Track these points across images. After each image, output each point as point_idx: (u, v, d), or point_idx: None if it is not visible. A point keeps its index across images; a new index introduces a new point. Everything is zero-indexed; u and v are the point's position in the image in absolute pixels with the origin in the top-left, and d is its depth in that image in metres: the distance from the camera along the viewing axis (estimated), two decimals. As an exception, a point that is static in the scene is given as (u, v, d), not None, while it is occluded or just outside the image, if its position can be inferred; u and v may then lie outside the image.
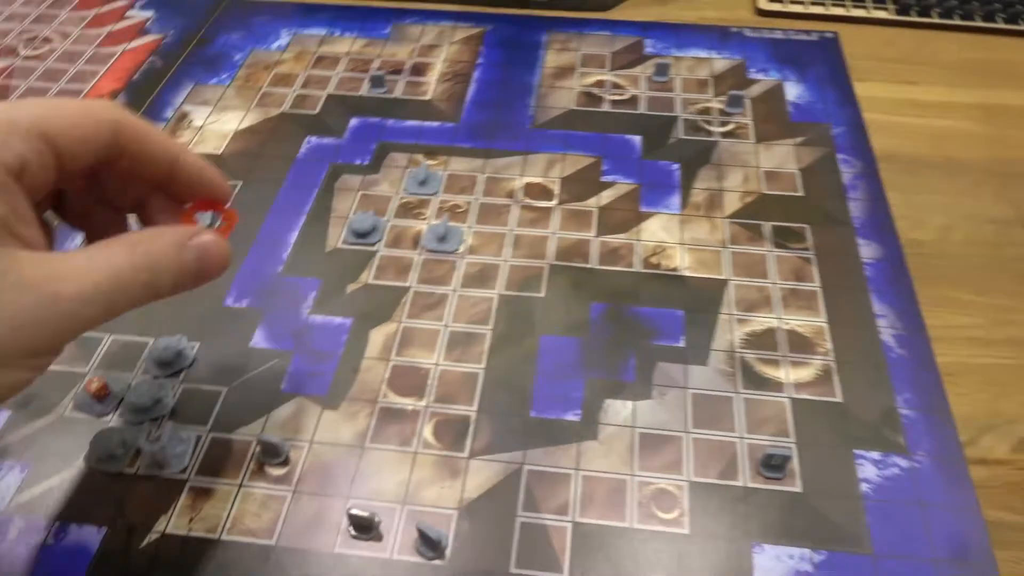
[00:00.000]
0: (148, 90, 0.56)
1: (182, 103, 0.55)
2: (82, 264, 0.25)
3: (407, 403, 0.37)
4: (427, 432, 0.36)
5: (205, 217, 0.31)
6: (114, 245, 0.26)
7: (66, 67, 0.59)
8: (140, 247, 0.26)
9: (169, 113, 0.54)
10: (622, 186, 0.48)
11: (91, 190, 0.30)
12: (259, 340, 0.40)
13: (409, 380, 0.38)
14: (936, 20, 0.60)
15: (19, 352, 0.24)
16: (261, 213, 0.47)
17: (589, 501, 0.34)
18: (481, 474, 0.35)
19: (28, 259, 0.24)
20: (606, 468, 0.35)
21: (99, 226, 0.31)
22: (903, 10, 0.60)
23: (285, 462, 0.35)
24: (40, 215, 0.27)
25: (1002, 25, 0.59)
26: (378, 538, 0.33)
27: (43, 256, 0.24)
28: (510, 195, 0.47)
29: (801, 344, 0.39)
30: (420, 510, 0.33)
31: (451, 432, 0.36)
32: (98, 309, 0.25)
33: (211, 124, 0.53)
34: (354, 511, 0.32)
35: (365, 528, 0.32)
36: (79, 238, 0.35)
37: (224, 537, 0.33)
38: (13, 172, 0.24)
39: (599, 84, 0.55)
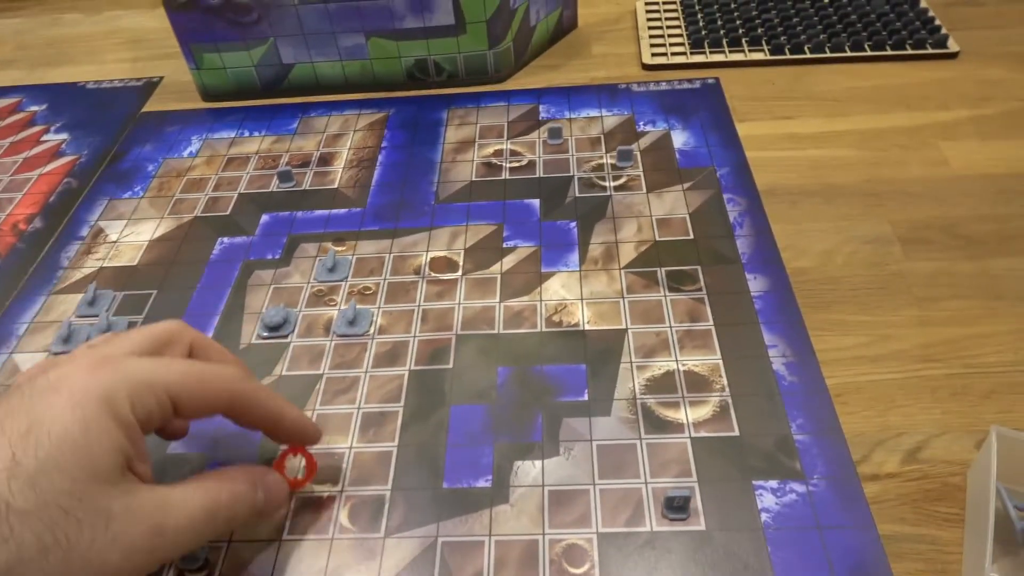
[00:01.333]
0: (64, 210, 0.58)
1: (97, 219, 0.56)
2: (181, 500, 0.29)
3: (323, 490, 0.38)
4: (343, 516, 0.37)
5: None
6: (205, 483, 0.31)
7: (-18, 197, 0.60)
8: (227, 484, 0.32)
9: (85, 231, 0.56)
10: (523, 250, 0.50)
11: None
12: (176, 446, 0.41)
13: (324, 464, 0.39)
14: (809, 55, 0.63)
15: (131, 573, 0.28)
16: (176, 319, 0.48)
17: (502, 566, 0.34)
18: (397, 552, 0.35)
19: (141, 492, 0.28)
20: (518, 530, 0.36)
21: (174, 431, 0.36)
22: (777, 50, 0.64)
23: (204, 566, 0.36)
24: None
25: (870, 52, 0.63)
26: (297, 631, 0.33)
27: (152, 489, 0.29)
28: (417, 271, 0.49)
29: (698, 383, 0.41)
30: (339, 596, 0.34)
31: (366, 513, 0.37)
32: (191, 541, 0.30)
33: (126, 237, 0.55)
34: (271, 607, 0.33)
35: (284, 622, 0.33)
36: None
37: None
38: (140, 421, 0.29)
39: (497, 153, 0.58)
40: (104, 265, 0.52)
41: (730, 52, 0.65)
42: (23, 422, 0.27)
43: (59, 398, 0.28)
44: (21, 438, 0.26)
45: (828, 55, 0.63)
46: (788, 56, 0.64)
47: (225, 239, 0.53)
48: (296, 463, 0.37)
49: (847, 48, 0.63)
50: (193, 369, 0.32)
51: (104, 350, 0.31)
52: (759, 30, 0.66)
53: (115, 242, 0.54)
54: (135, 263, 0.52)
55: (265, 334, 0.46)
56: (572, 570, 0.34)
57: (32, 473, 0.26)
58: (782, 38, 0.65)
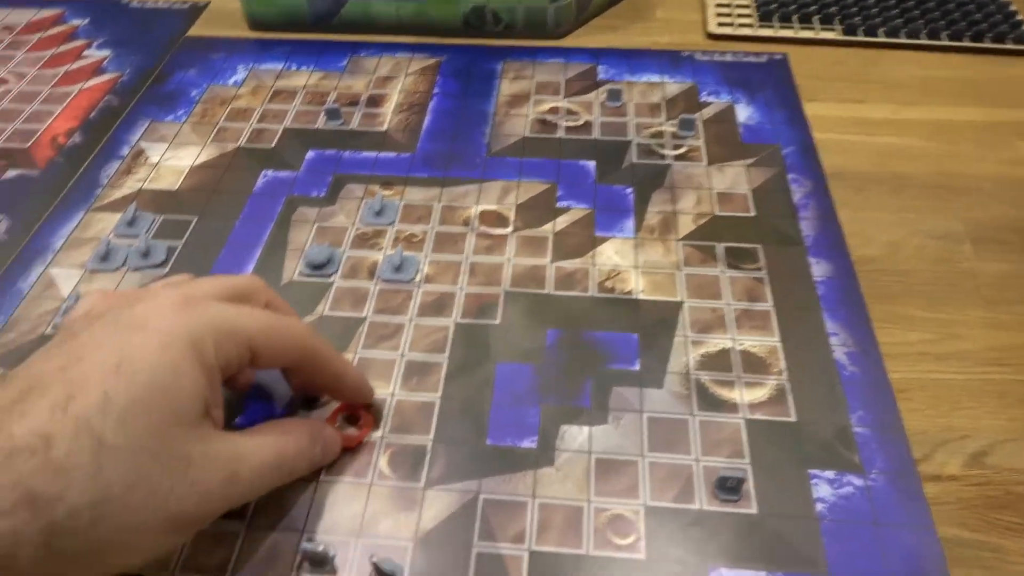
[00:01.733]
0: (104, 128, 0.56)
1: (138, 140, 0.55)
2: (252, 449, 0.29)
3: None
4: (383, 463, 0.36)
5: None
6: (272, 433, 0.31)
7: (22, 107, 0.59)
8: (291, 438, 0.32)
9: (125, 150, 0.54)
10: (577, 211, 0.48)
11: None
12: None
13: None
14: (883, 39, 0.61)
15: (202, 519, 0.28)
16: (217, 248, 0.46)
17: (545, 529, 0.33)
18: (437, 504, 0.34)
19: (218, 438, 0.28)
20: (562, 495, 0.35)
21: (241, 382, 0.37)
22: (850, 30, 0.62)
23: (237, 501, 0.35)
24: None
25: (946, 43, 0.61)
26: (333, 572, 0.32)
27: (227, 436, 0.29)
28: (466, 223, 0.47)
29: (755, 364, 0.39)
30: (376, 542, 0.33)
31: (407, 462, 0.36)
32: (258, 490, 0.30)
33: (167, 161, 0.53)
34: (308, 546, 0.32)
35: (319, 563, 0.32)
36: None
37: (176, 575, 0.32)
38: (221, 368, 0.29)
39: (553, 111, 0.56)
40: (144, 187, 0.51)
41: (800, 28, 0.62)
42: (112, 357, 0.26)
43: (148, 337, 0.27)
44: (111, 374, 0.25)
45: (902, 41, 0.61)
46: (861, 38, 0.61)
47: (269, 172, 0.52)
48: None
49: (923, 36, 0.61)
50: (273, 320, 0.31)
51: (187, 290, 0.30)
52: (832, 8, 0.63)
53: (156, 164, 0.53)
54: (175, 188, 0.51)
55: (308, 272, 0.45)
56: (618, 540, 0.33)
57: (123, 411, 0.25)
58: (856, 18, 0.62)
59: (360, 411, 0.37)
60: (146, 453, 0.25)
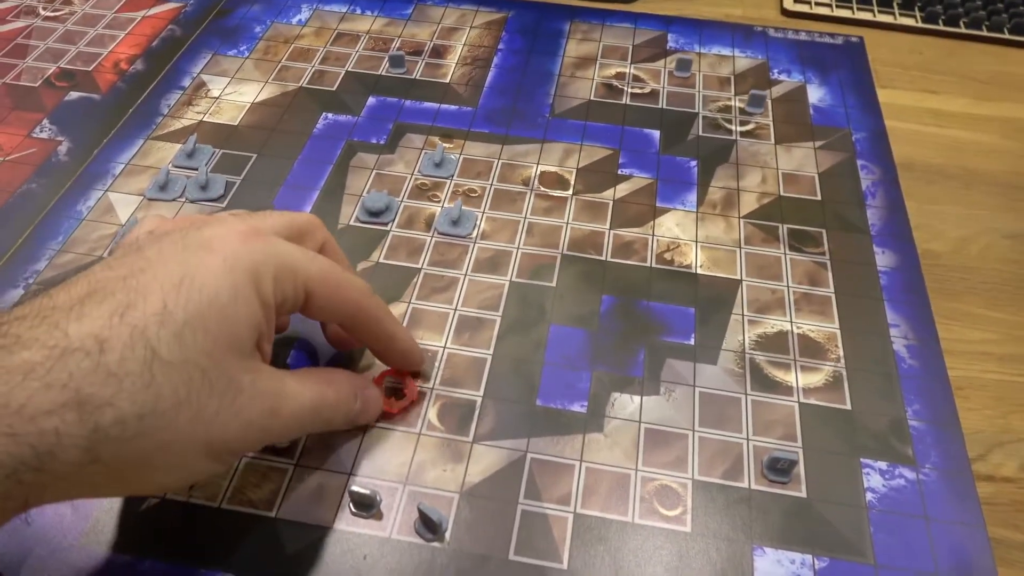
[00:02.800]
0: (166, 57, 0.56)
1: (200, 72, 0.55)
2: (295, 389, 0.29)
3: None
4: (432, 414, 0.36)
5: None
6: (315, 379, 0.31)
7: (85, 30, 0.58)
8: (333, 387, 0.31)
9: (186, 82, 0.54)
10: (639, 180, 0.47)
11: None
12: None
13: (416, 362, 0.38)
14: (963, 30, 0.59)
15: (239, 449, 0.28)
16: (275, 187, 0.46)
17: (591, 493, 0.33)
18: (484, 459, 0.34)
19: (265, 372, 0.28)
20: (610, 461, 0.34)
21: (280, 324, 0.36)
22: (930, 18, 0.60)
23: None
24: None
25: (1029, 40, 0.59)
26: (378, 516, 0.32)
27: (273, 372, 0.28)
28: (525, 182, 0.47)
29: (812, 349, 0.39)
30: (421, 491, 0.33)
31: (456, 415, 0.36)
32: (296, 430, 0.31)
33: (228, 95, 0.53)
34: (355, 488, 0.32)
35: (366, 506, 0.32)
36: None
37: (224, 506, 0.32)
38: (277, 303, 0.28)
39: (619, 76, 0.55)
40: (204, 120, 0.51)
41: (879, 12, 0.61)
42: (176, 272, 0.25)
43: (213, 258, 0.26)
44: (173, 288, 0.25)
45: (984, 33, 0.59)
46: (940, 27, 0.59)
47: (330, 115, 0.51)
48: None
49: (1006, 30, 0.59)
50: (334, 270, 0.30)
51: (253, 221, 0.30)
52: (914, -6, 0.61)
53: (217, 98, 0.52)
54: (236, 123, 0.51)
55: (365, 218, 0.44)
56: (664, 511, 0.33)
57: (180, 326, 0.24)
58: (937, 6, 0.60)
59: (407, 379, 0.36)
60: (198, 371, 0.25)
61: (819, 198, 0.46)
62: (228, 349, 0.26)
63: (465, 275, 0.42)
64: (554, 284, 0.41)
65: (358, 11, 0.60)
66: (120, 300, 0.24)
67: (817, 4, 0.61)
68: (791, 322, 0.40)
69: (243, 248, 0.27)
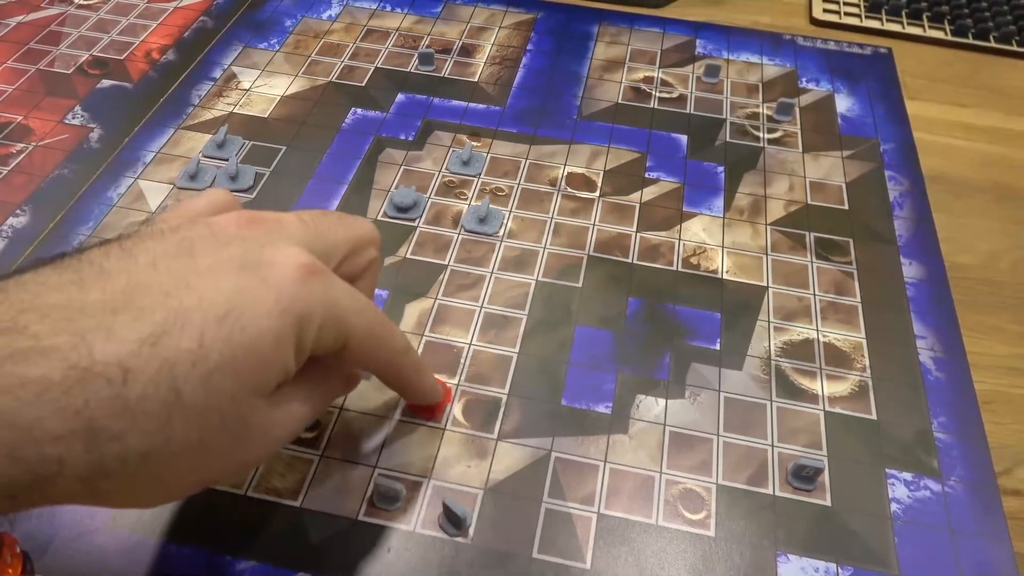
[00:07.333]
0: (198, 48, 0.56)
1: (230, 64, 0.55)
2: (294, 416, 0.27)
3: (440, 379, 0.37)
4: (457, 410, 0.36)
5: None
6: (312, 393, 0.28)
7: (118, 19, 0.59)
8: (328, 395, 0.30)
9: (217, 73, 0.54)
10: (666, 183, 0.47)
11: None
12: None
13: (442, 357, 0.38)
14: (993, 44, 0.59)
15: (226, 482, 0.32)
16: (304, 180, 0.46)
17: (615, 494, 0.33)
18: (509, 457, 0.34)
19: (273, 411, 0.26)
20: (634, 463, 0.34)
21: None
22: (960, 32, 0.60)
23: (315, 426, 0.35)
24: None
25: (1060, 56, 0.58)
26: (402, 510, 0.32)
27: (278, 406, 0.26)
28: (552, 183, 0.47)
29: (838, 358, 0.39)
30: (446, 486, 0.33)
31: (481, 412, 0.36)
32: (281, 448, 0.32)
33: (258, 88, 0.53)
34: (381, 481, 0.32)
35: (391, 499, 0.32)
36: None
37: (249, 494, 0.33)
38: (312, 351, 0.26)
39: (648, 80, 0.55)
40: (235, 111, 0.51)
41: (908, 24, 0.60)
42: (222, 303, 0.23)
43: (267, 294, 0.24)
44: (216, 321, 0.23)
45: (1014, 48, 0.59)
46: (970, 40, 0.59)
47: (359, 110, 0.51)
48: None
49: (1036, 45, 0.59)
50: (377, 327, 0.28)
51: (320, 239, 0.28)
52: (944, 6, 0.61)
53: (247, 90, 0.53)
54: (266, 115, 0.51)
55: (393, 213, 0.45)
56: (688, 514, 0.33)
57: (211, 369, 0.23)
58: (967, 19, 0.60)
59: (447, 387, 0.37)
60: (217, 415, 0.23)
61: (846, 207, 0.46)
62: (252, 392, 0.25)
63: (492, 273, 0.42)
64: (580, 285, 0.41)
65: (388, 8, 0.61)
66: (157, 323, 0.22)
67: (846, 14, 0.61)
68: (817, 330, 0.40)
69: (300, 291, 0.25)
